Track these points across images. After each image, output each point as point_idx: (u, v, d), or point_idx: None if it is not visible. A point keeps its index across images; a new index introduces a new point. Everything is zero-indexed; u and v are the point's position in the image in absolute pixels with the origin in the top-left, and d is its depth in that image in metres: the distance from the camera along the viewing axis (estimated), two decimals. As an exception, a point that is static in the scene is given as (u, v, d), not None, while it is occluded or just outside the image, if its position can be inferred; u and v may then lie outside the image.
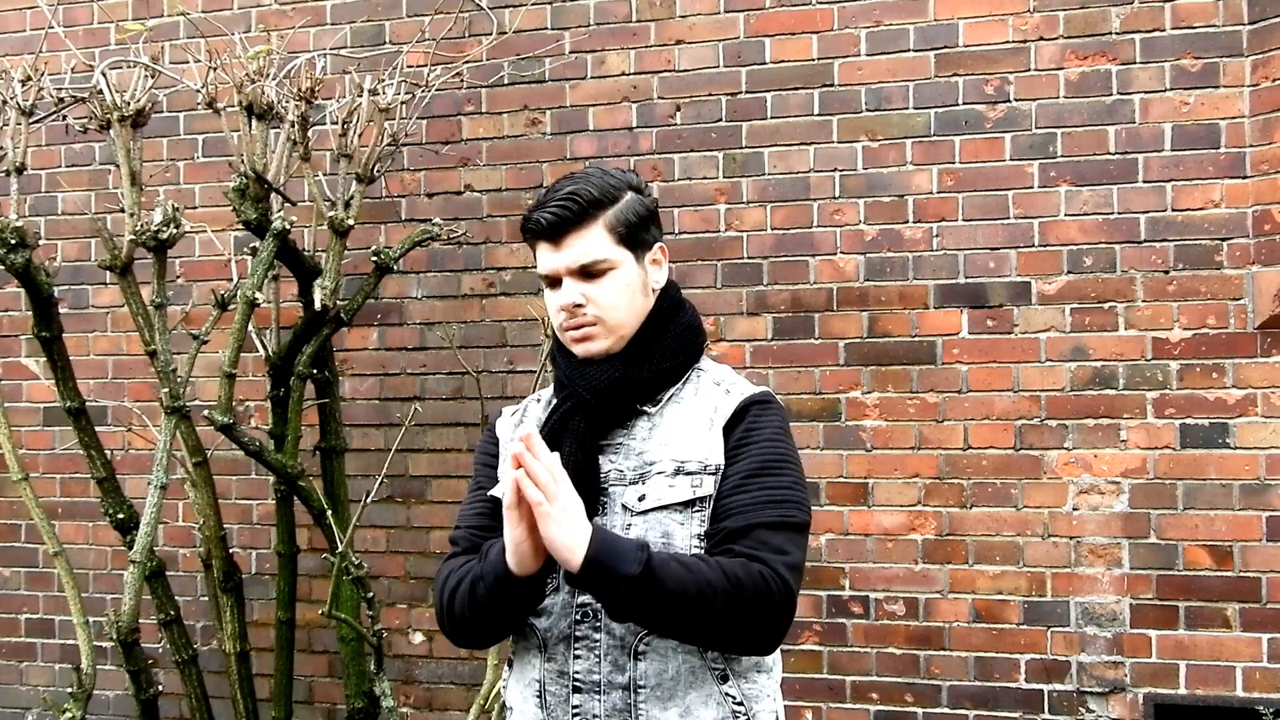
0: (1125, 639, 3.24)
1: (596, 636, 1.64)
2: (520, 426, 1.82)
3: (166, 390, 3.06)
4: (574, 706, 1.64)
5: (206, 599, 3.61)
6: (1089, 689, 3.26)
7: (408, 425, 3.53)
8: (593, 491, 1.65)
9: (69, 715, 3.00)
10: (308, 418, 3.38)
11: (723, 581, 1.53)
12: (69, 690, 3.09)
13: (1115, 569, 3.25)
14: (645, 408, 1.71)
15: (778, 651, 1.69)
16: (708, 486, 1.64)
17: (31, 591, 4.05)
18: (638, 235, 1.70)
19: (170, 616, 3.28)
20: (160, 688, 3.33)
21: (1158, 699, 3.21)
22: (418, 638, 3.71)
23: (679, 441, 1.67)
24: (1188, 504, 3.22)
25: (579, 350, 1.70)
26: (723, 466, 1.64)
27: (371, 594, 3.14)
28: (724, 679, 1.64)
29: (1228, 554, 3.19)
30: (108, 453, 3.30)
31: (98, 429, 3.32)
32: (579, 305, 1.67)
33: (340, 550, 3.01)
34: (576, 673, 1.64)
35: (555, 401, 1.75)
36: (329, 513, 3.18)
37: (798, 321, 3.47)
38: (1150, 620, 3.23)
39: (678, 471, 1.65)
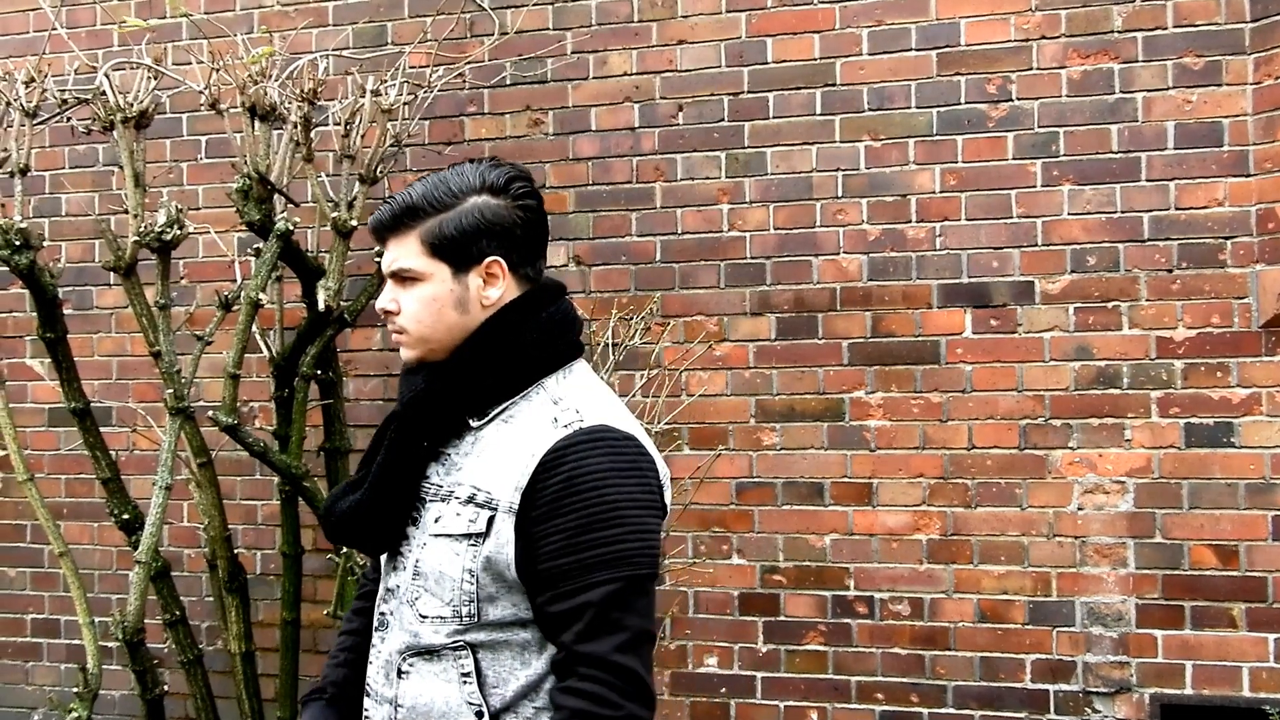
0: (1131, 639, 3.24)
1: (380, 647, 1.66)
2: None
3: (171, 391, 3.07)
4: (365, 711, 1.68)
5: (211, 599, 3.61)
6: (1095, 689, 3.26)
7: (411, 426, 3.53)
8: (404, 503, 1.62)
9: (75, 715, 3.00)
10: (312, 418, 3.39)
11: None
12: (74, 690, 3.09)
13: (1120, 569, 3.25)
14: (471, 421, 1.62)
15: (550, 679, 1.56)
16: (481, 523, 1.53)
17: (37, 592, 4.06)
18: (460, 249, 1.58)
19: (175, 617, 3.29)
20: (165, 688, 3.34)
21: (1164, 699, 3.21)
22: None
23: (488, 466, 1.57)
24: (1193, 503, 3.21)
25: (401, 354, 1.67)
26: (516, 506, 1.52)
27: (375, 594, 3.14)
28: (479, 716, 1.54)
29: (1233, 553, 3.18)
30: (112, 453, 3.30)
31: (102, 430, 3.33)
32: (390, 311, 1.63)
33: (345, 551, 3.01)
34: (368, 680, 1.68)
35: None
36: (333, 513, 3.18)
37: (801, 321, 3.47)
38: (1156, 620, 3.22)
39: (470, 500, 1.56)
